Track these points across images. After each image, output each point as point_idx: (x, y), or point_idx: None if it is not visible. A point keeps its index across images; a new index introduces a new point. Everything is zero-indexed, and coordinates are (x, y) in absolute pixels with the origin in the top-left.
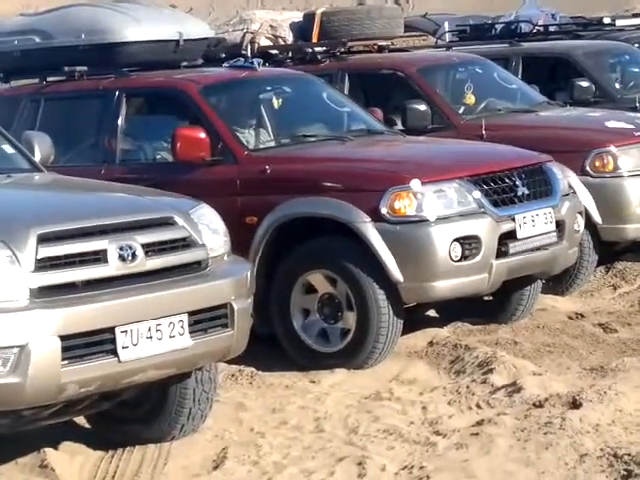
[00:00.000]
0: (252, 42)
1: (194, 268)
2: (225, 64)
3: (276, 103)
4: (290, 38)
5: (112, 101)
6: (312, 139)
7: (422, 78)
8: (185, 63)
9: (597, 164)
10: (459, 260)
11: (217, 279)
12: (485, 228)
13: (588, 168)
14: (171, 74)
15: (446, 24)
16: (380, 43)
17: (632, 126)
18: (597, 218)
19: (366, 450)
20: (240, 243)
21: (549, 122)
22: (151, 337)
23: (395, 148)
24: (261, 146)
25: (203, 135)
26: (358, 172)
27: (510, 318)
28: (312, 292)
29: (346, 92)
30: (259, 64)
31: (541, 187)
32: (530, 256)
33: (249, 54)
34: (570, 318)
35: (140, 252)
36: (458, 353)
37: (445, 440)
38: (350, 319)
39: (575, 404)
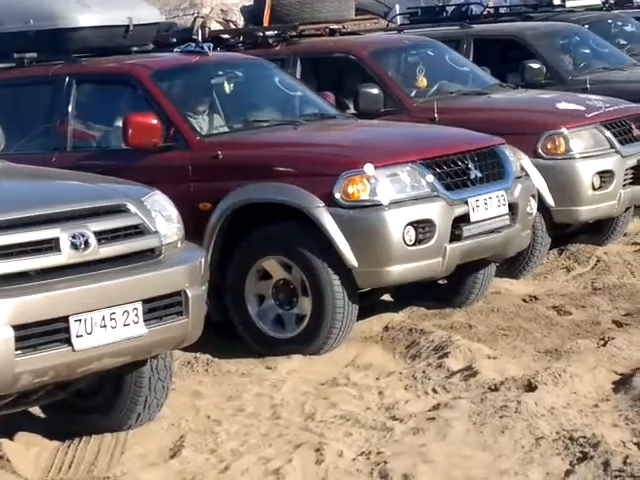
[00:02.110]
0: (203, 27)
1: (147, 256)
2: (176, 49)
3: (228, 88)
4: (241, 22)
5: (62, 88)
6: (264, 124)
7: (374, 61)
8: (135, 48)
9: (549, 146)
10: (413, 244)
11: (171, 266)
12: (438, 212)
13: (540, 150)
14: (122, 60)
15: (397, 7)
16: (331, 26)
17: (583, 108)
18: (550, 200)
19: (323, 437)
20: (194, 230)
21: (501, 104)
22: (105, 326)
23: (348, 132)
24: (213, 131)
25: (155, 121)
26: (311, 157)
27: (464, 302)
28: (267, 278)
29: (298, 76)
30: (210, 48)
31: (494, 170)
32: (483, 239)
33: (200, 39)
34: (524, 301)
35: (93, 240)
36: (413, 337)
37: (402, 425)
38: (305, 305)
39: (530, 387)
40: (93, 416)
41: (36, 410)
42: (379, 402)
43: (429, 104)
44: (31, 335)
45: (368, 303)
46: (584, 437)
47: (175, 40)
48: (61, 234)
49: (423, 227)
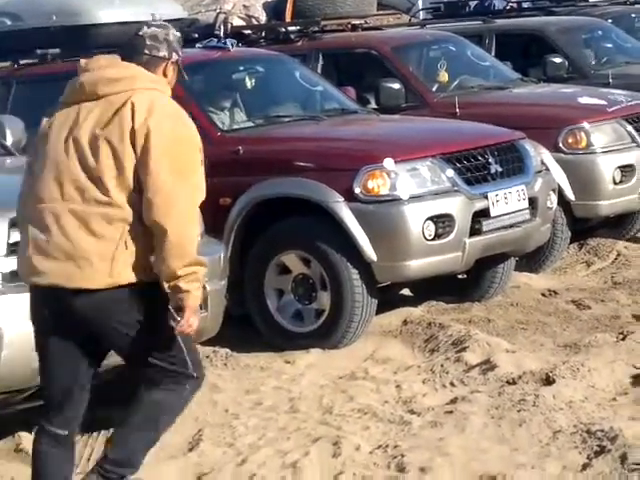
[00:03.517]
0: (225, 22)
1: None
2: (198, 45)
3: (249, 83)
4: (263, 18)
5: None
6: (285, 119)
7: (395, 56)
8: None
9: (570, 141)
10: (433, 239)
11: None
12: (458, 206)
13: (561, 145)
14: None
15: (420, 2)
16: (353, 22)
17: (605, 102)
18: (570, 195)
19: (341, 430)
20: (214, 224)
21: (522, 99)
22: None
23: (368, 127)
24: (234, 127)
25: None
26: (331, 152)
27: (484, 296)
28: (286, 273)
29: (320, 71)
30: (232, 44)
31: (514, 164)
32: (503, 234)
33: (222, 34)
34: (543, 295)
35: None
36: (432, 332)
37: (420, 419)
38: (324, 299)
39: (548, 381)
40: (112, 410)
41: None
42: (397, 396)
43: (450, 99)
44: None
45: (387, 297)
46: (602, 431)
47: (197, 36)
48: None
49: (443, 222)
